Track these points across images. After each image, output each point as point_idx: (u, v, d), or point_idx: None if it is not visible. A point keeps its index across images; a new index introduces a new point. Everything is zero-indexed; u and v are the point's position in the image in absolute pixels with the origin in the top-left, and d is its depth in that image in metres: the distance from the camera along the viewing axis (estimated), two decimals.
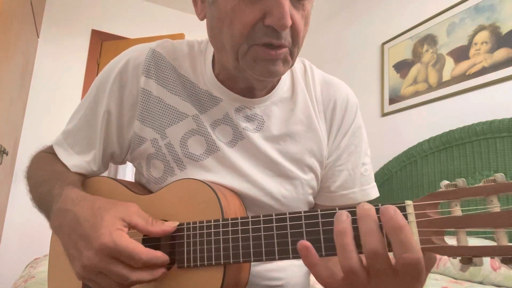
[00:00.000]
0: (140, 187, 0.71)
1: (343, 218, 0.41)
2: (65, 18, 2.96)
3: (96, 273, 0.49)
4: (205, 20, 0.62)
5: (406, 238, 0.37)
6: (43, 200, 0.61)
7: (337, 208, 0.44)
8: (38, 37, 2.84)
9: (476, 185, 0.37)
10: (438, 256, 1.70)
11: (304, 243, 0.42)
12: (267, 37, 0.54)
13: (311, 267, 0.42)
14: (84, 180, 0.70)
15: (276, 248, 0.47)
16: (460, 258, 0.37)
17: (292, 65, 0.61)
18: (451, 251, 0.37)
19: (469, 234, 0.37)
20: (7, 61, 1.96)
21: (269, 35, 0.54)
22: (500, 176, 0.35)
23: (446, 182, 0.39)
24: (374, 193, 0.71)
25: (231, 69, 0.61)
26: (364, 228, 0.40)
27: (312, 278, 0.89)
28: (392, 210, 0.38)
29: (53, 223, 0.56)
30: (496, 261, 1.45)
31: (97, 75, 0.73)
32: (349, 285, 0.40)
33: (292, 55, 0.58)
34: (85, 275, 0.50)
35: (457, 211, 0.37)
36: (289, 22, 0.52)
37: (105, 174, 0.75)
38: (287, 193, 0.66)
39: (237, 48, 0.56)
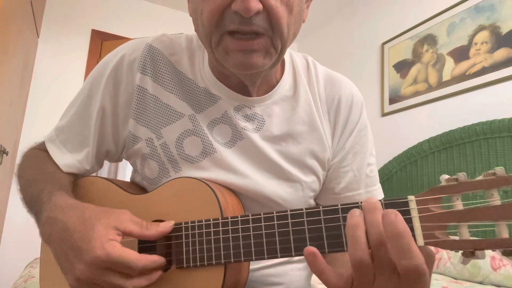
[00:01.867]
0: (134, 187, 0.69)
1: (356, 213, 0.41)
2: (65, 18, 2.96)
3: (90, 285, 0.48)
4: None
5: (405, 245, 0.36)
6: (32, 203, 0.59)
7: (339, 205, 0.44)
8: (38, 37, 2.84)
9: (477, 178, 0.37)
10: (438, 256, 1.69)
11: (311, 249, 0.41)
12: (233, 24, 0.50)
13: (319, 274, 0.42)
14: (76, 180, 0.67)
15: (278, 246, 0.47)
16: (462, 251, 0.37)
17: (279, 57, 0.57)
18: (453, 245, 0.37)
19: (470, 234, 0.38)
20: (7, 61, 1.96)
21: (236, 21, 0.50)
22: (500, 170, 0.36)
23: (446, 176, 0.39)
24: (379, 194, 0.69)
25: (215, 63, 0.59)
26: (370, 219, 0.39)
27: (314, 278, 0.89)
28: (393, 215, 0.37)
29: (42, 232, 0.53)
30: (497, 253, 1.45)
31: None
32: (357, 282, 0.40)
33: (275, 46, 0.54)
34: (80, 287, 0.48)
35: (459, 205, 0.37)
36: (253, 6, 0.48)
37: (105, 174, 0.74)
38: (287, 196, 0.64)
39: (210, 38, 0.54)
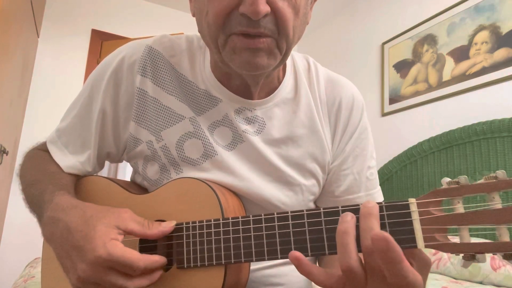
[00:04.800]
0: (135, 187, 0.69)
1: (348, 219, 0.40)
2: (65, 18, 2.96)
3: (92, 285, 0.48)
4: None
5: (396, 270, 0.36)
6: (34, 203, 0.59)
7: (339, 207, 0.44)
8: (38, 37, 2.83)
9: (478, 182, 0.37)
10: (438, 256, 1.69)
11: (294, 254, 0.41)
12: (241, 26, 0.50)
13: (307, 275, 0.42)
14: (78, 180, 0.67)
15: (278, 247, 0.47)
16: (463, 254, 0.37)
17: (283, 59, 0.56)
18: (454, 248, 0.37)
19: (470, 234, 0.38)
20: (7, 61, 1.96)
21: (243, 23, 0.50)
22: (501, 173, 0.36)
23: (447, 179, 0.39)
24: (379, 197, 0.69)
25: (220, 64, 0.59)
26: (364, 225, 0.39)
27: None
28: (384, 243, 0.35)
29: (44, 232, 0.54)
30: (498, 257, 1.45)
31: None
32: (347, 284, 0.40)
33: (280, 47, 0.54)
34: (81, 286, 0.48)
35: (460, 208, 0.37)
36: (262, 9, 0.48)
37: (105, 173, 0.74)
38: (287, 199, 0.64)
39: (216, 39, 0.53)
